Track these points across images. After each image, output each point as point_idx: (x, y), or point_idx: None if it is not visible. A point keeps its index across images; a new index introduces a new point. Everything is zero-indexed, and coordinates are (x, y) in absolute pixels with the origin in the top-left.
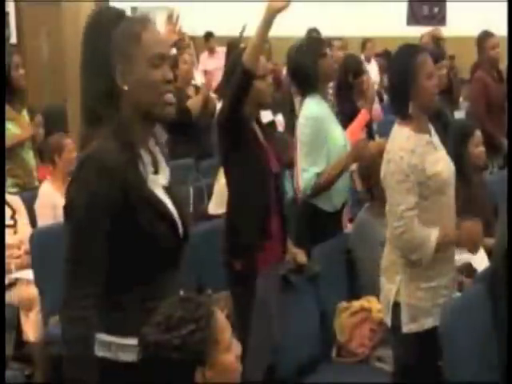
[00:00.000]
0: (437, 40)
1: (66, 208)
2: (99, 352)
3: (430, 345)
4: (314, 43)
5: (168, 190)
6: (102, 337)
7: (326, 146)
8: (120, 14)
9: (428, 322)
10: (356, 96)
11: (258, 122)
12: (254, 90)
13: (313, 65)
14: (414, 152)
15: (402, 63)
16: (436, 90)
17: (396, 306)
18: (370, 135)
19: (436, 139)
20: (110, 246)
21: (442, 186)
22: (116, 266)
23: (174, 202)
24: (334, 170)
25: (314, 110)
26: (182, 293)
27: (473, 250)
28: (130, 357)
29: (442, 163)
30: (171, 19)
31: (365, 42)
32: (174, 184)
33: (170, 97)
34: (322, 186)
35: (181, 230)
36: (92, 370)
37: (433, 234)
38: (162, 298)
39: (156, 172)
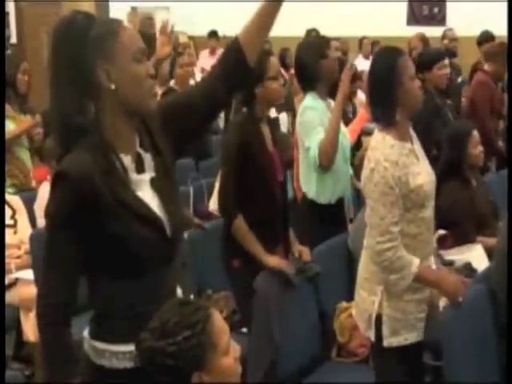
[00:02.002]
0: (449, 41)
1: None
2: (96, 360)
3: (411, 360)
4: (316, 43)
5: (155, 183)
6: (97, 344)
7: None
8: (88, 16)
9: (412, 337)
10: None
11: (269, 121)
12: (265, 90)
13: (314, 65)
14: (398, 164)
15: (384, 66)
16: (420, 92)
17: (377, 318)
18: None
19: (417, 147)
20: (92, 254)
21: (423, 198)
22: (101, 273)
23: (162, 197)
24: (331, 121)
25: (310, 103)
26: (178, 291)
27: (453, 300)
28: (123, 364)
29: (423, 175)
30: (164, 30)
31: (362, 40)
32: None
33: (154, 90)
34: (328, 148)
35: (168, 228)
36: (67, 372)
37: (414, 263)
38: (154, 300)
39: (141, 171)
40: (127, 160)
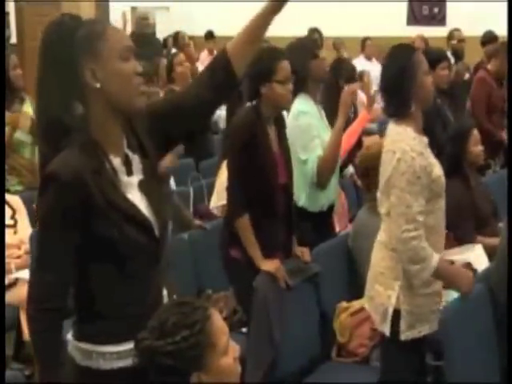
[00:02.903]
0: (457, 42)
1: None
2: (82, 361)
3: (423, 352)
4: (306, 44)
5: (144, 185)
6: (83, 346)
7: (318, 140)
8: (76, 18)
9: (425, 329)
10: None
11: (276, 121)
12: (271, 92)
13: (303, 65)
14: (423, 154)
15: (400, 62)
16: (432, 88)
17: (395, 313)
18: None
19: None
20: (81, 255)
21: (441, 189)
22: (89, 274)
23: (150, 199)
24: (331, 143)
25: (303, 107)
26: (164, 291)
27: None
28: (111, 364)
29: (439, 167)
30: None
31: (364, 41)
32: (152, 180)
33: (141, 88)
34: (327, 166)
35: (156, 228)
36: (60, 375)
37: (435, 257)
38: (142, 301)
39: (130, 173)
40: (117, 162)
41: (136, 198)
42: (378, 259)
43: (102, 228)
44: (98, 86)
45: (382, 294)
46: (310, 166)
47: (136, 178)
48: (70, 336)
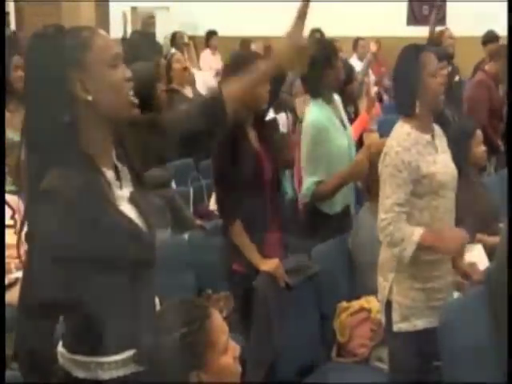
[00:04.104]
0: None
1: (26, 238)
2: (78, 373)
3: (422, 346)
4: (325, 52)
5: (134, 197)
6: (80, 358)
7: (328, 152)
8: (59, 28)
9: (420, 324)
10: (346, 102)
11: (257, 121)
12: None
13: (321, 74)
14: (410, 150)
15: (406, 63)
16: (441, 89)
17: (388, 303)
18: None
19: (439, 142)
20: (76, 269)
21: (437, 186)
22: (84, 286)
23: (139, 210)
24: (334, 182)
25: (315, 116)
26: (156, 298)
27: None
28: (110, 374)
29: (440, 165)
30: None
31: (357, 41)
32: (140, 192)
33: (131, 96)
34: (322, 196)
35: (148, 238)
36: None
37: (416, 232)
38: (138, 311)
39: (122, 185)
40: (110, 175)
41: (127, 210)
42: (383, 252)
43: (99, 244)
44: (90, 98)
45: (381, 284)
46: (305, 188)
47: (127, 191)
48: (61, 348)
